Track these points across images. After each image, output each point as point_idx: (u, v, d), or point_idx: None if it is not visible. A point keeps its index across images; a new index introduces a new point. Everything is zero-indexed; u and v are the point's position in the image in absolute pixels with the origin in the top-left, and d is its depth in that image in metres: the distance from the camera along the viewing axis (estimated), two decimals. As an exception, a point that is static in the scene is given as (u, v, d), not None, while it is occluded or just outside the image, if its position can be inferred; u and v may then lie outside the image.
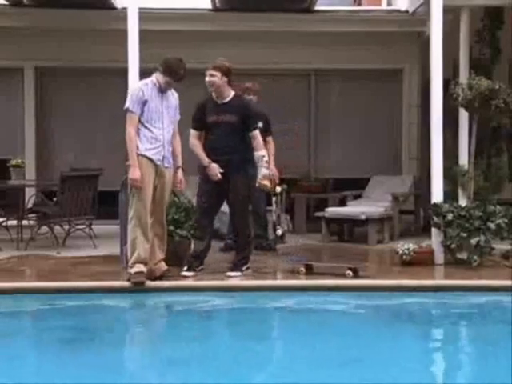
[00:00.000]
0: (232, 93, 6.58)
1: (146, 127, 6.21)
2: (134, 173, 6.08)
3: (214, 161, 6.45)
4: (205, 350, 4.75)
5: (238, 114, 6.49)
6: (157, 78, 6.31)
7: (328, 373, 4.19)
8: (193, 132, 6.62)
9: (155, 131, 6.23)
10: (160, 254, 6.36)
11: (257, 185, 6.50)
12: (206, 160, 6.46)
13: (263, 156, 6.49)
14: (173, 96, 6.44)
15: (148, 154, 6.19)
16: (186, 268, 6.49)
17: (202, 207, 6.56)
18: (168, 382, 4.18)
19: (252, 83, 8.11)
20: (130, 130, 6.16)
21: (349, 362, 4.43)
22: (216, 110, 6.51)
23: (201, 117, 6.58)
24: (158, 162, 6.24)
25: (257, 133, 6.57)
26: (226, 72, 6.49)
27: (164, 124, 6.29)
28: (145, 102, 6.18)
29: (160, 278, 6.29)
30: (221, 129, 6.49)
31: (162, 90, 6.30)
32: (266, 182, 6.48)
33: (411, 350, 4.82)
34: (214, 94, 6.57)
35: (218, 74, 6.46)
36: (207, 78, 6.49)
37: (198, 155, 6.54)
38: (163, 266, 6.37)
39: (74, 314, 5.68)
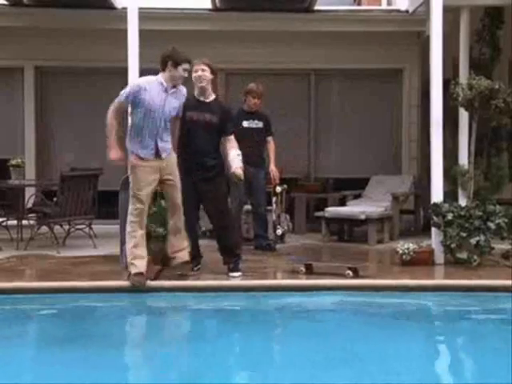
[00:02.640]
0: (213, 95, 6.57)
1: (136, 130, 6.20)
2: (111, 153, 6.18)
3: (197, 163, 6.38)
4: (202, 349, 4.75)
5: (218, 115, 6.45)
6: (164, 78, 6.20)
7: (327, 373, 4.19)
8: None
9: (146, 135, 6.18)
10: (181, 243, 6.35)
11: (230, 172, 6.40)
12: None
13: (239, 154, 6.50)
14: (180, 93, 6.33)
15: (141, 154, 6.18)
16: None
17: (184, 206, 6.41)
18: (164, 382, 4.18)
19: (256, 85, 8.08)
20: (111, 114, 6.22)
21: (348, 361, 4.43)
22: (197, 107, 6.43)
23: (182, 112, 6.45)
24: (151, 157, 6.18)
25: (233, 137, 6.54)
26: (213, 71, 6.52)
27: (157, 124, 6.18)
28: (139, 100, 6.12)
29: (158, 276, 6.30)
30: (201, 129, 6.41)
31: (167, 90, 6.19)
32: (240, 172, 6.41)
33: (410, 349, 4.82)
34: (196, 92, 6.51)
35: (208, 69, 6.47)
36: (199, 73, 6.41)
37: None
38: (185, 255, 6.38)
39: (73, 313, 5.68)
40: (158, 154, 6.20)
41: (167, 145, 6.26)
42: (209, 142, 6.45)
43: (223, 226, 6.54)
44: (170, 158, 6.28)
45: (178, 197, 6.30)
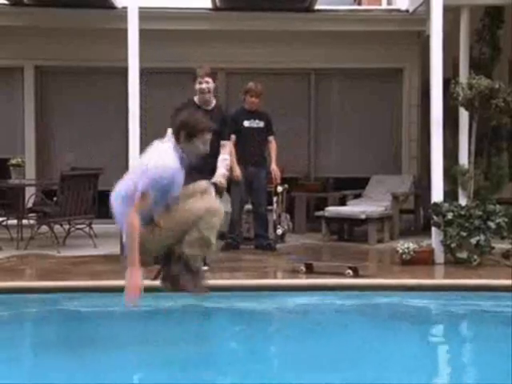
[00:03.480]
0: (214, 101, 6.65)
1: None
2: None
3: (200, 167, 6.30)
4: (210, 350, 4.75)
5: (218, 122, 6.35)
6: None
7: (326, 374, 4.19)
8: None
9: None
10: None
11: (213, 180, 6.20)
12: None
13: (226, 159, 6.55)
14: None
15: None
16: None
17: None
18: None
19: (254, 84, 8.08)
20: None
21: (349, 362, 4.42)
22: None
23: None
24: None
25: (228, 143, 6.66)
26: (214, 80, 6.66)
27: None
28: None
29: (158, 275, 6.26)
30: None
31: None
32: (220, 180, 6.34)
33: (410, 349, 4.82)
34: (200, 101, 6.55)
35: (211, 80, 6.56)
36: (203, 85, 6.49)
37: None
38: None
39: (73, 313, 5.68)
40: None
41: None
42: (212, 146, 6.47)
43: None
44: None
45: None
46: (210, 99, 6.58)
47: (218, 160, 6.46)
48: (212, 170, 6.44)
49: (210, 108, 6.56)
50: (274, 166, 8.12)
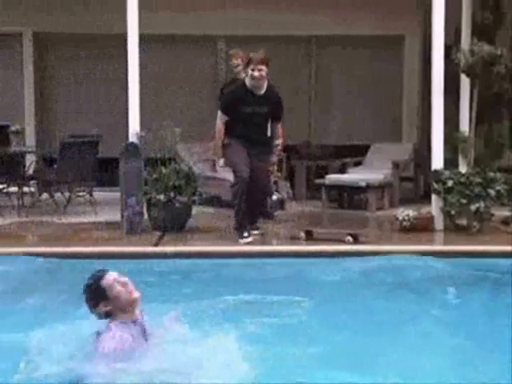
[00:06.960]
0: (266, 85, 6.64)
1: None
2: None
3: (250, 142, 6.60)
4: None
5: (269, 105, 6.64)
6: None
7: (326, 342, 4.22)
8: (223, 117, 6.66)
9: None
10: None
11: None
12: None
13: (278, 144, 6.93)
14: None
15: None
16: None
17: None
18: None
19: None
20: None
21: (346, 328, 4.45)
22: (253, 102, 6.58)
23: (235, 107, 6.61)
24: None
25: (280, 124, 6.89)
26: (268, 65, 6.60)
27: None
28: None
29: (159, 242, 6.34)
30: (254, 120, 6.62)
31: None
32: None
33: (410, 314, 4.85)
34: (250, 85, 6.56)
35: (265, 67, 6.52)
36: (256, 73, 6.47)
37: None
38: None
39: (73, 278, 5.71)
40: None
41: None
42: (262, 130, 6.71)
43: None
44: None
45: None
46: (263, 85, 6.58)
47: (268, 139, 6.71)
48: (261, 146, 6.67)
49: (261, 93, 6.60)
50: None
